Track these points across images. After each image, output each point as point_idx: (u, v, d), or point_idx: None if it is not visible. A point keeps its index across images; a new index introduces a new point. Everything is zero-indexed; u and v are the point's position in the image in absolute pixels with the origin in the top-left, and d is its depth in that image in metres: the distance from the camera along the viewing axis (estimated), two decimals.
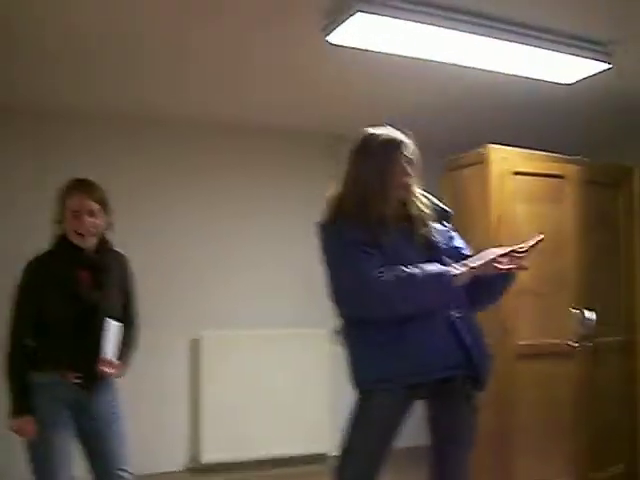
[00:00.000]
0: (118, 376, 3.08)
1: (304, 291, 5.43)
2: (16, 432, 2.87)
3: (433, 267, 2.52)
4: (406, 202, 2.67)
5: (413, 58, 3.74)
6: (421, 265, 2.51)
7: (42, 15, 3.27)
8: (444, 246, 2.71)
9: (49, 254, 3.02)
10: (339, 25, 3.29)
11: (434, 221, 2.73)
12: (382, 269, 2.48)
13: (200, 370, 5.12)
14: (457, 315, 2.61)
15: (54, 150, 4.89)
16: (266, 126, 5.37)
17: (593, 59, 3.75)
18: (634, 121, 5.21)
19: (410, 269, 2.49)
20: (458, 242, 2.83)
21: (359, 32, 3.35)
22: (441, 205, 2.83)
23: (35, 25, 3.40)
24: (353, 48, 3.57)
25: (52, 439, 2.89)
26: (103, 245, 3.10)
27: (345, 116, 5.18)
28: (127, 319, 3.18)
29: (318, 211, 5.61)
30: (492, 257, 2.57)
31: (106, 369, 2.97)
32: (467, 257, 2.68)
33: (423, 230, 2.67)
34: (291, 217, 5.52)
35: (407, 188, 2.63)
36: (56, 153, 4.88)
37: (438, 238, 2.70)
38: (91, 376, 2.95)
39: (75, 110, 4.82)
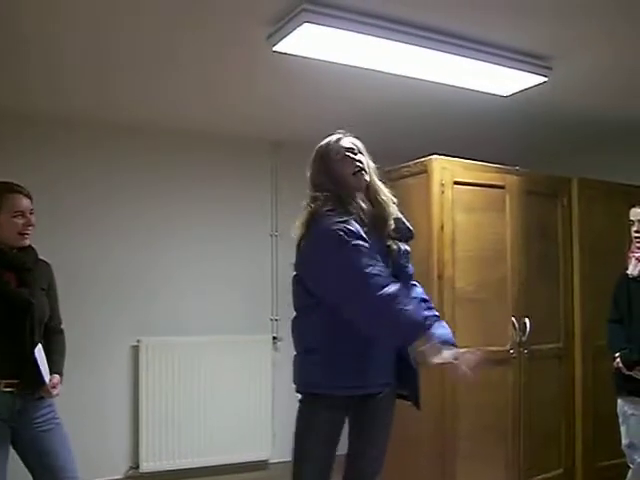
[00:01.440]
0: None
1: (244, 297, 5.42)
2: None
3: (420, 311, 2.59)
4: (374, 203, 2.76)
5: (356, 67, 3.76)
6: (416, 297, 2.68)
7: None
8: (401, 264, 2.79)
9: None
10: (286, 35, 3.29)
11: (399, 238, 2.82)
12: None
13: (139, 377, 5.06)
14: None
15: None
16: (208, 132, 5.33)
17: (531, 72, 3.82)
18: (571, 133, 5.33)
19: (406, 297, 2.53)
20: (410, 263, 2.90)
21: (304, 41, 3.36)
22: (407, 224, 2.90)
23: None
24: (297, 56, 3.57)
25: None
26: (26, 247, 3.03)
27: (287, 124, 5.20)
28: (54, 325, 3.13)
29: (262, 218, 5.64)
30: (462, 365, 2.56)
31: (52, 391, 2.96)
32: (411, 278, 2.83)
33: (392, 244, 2.76)
34: (233, 223, 5.50)
35: (358, 176, 2.73)
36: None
37: (401, 256, 2.79)
38: (29, 380, 2.88)
39: (16, 112, 4.72)
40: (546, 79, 3.91)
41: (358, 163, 2.76)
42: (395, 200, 2.85)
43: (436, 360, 2.48)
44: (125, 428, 5.08)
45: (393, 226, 2.78)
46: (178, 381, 5.14)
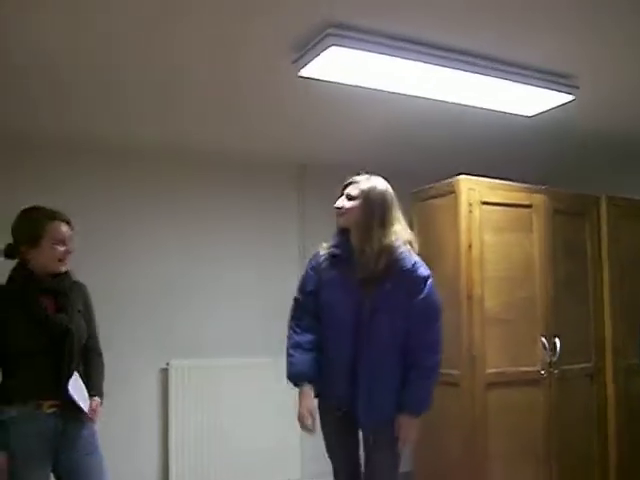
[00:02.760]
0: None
1: (274, 319, 5.40)
2: None
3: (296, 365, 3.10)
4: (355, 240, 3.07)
5: (381, 91, 3.78)
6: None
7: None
8: (378, 304, 2.98)
9: (9, 283, 2.96)
10: (311, 60, 3.31)
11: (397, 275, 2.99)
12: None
13: (169, 400, 5.07)
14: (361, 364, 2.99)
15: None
16: (237, 155, 5.38)
17: (557, 91, 3.80)
18: (598, 151, 5.31)
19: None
20: (417, 298, 3.00)
21: (329, 65, 3.38)
22: (403, 262, 3.01)
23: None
24: (322, 80, 3.60)
25: (26, 477, 2.81)
26: (62, 272, 3.06)
27: (313, 147, 5.23)
28: (93, 347, 3.17)
29: (289, 240, 5.67)
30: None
31: (93, 417, 3.01)
32: (421, 313, 3.01)
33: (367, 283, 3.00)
34: (261, 245, 5.53)
35: (337, 215, 3.11)
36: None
37: (378, 294, 2.98)
38: (68, 404, 2.90)
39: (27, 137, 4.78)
40: (572, 98, 3.90)
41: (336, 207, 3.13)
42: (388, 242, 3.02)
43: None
44: (155, 451, 5.09)
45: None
46: (207, 403, 5.14)
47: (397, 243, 3.00)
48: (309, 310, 3.15)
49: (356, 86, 3.71)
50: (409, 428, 3.00)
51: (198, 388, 5.13)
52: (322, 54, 3.23)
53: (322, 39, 3.14)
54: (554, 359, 4.49)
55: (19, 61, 3.43)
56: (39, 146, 4.81)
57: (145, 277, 5.13)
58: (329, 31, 3.08)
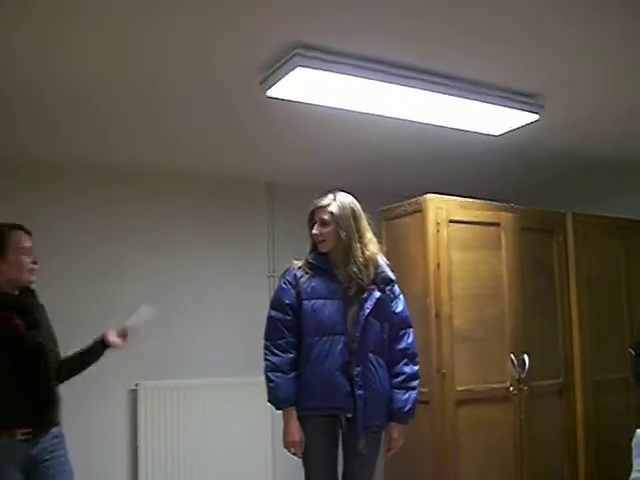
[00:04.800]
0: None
1: (243, 339, 5.39)
2: None
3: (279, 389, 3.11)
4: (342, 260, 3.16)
5: (348, 111, 3.80)
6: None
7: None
8: (365, 312, 3.10)
9: None
10: (279, 80, 3.32)
11: (374, 285, 3.15)
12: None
13: (138, 422, 5.01)
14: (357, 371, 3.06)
15: None
16: (205, 174, 5.36)
17: (522, 110, 3.84)
18: (565, 169, 5.37)
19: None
20: (397, 307, 3.22)
21: (297, 85, 3.38)
22: (387, 271, 3.21)
23: None
24: (290, 100, 3.61)
25: None
26: (26, 288, 2.99)
27: (281, 167, 5.24)
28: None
29: (259, 259, 5.64)
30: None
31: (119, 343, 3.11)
32: (396, 324, 3.19)
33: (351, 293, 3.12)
34: (230, 264, 5.51)
35: (317, 242, 3.20)
36: None
37: (363, 303, 3.11)
38: (43, 425, 2.85)
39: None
40: (537, 117, 3.95)
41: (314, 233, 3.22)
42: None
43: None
44: (123, 474, 5.02)
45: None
46: (177, 426, 5.06)
47: (377, 252, 3.20)
48: (287, 326, 3.13)
49: (323, 106, 3.72)
50: (400, 435, 3.18)
51: (168, 410, 5.06)
52: (289, 75, 3.24)
53: (289, 59, 3.15)
54: (523, 376, 4.51)
55: None
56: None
57: (112, 298, 5.07)
58: (296, 51, 3.09)
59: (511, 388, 4.47)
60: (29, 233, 2.98)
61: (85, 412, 4.75)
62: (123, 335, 3.16)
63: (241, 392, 5.24)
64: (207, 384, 5.23)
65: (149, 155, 4.89)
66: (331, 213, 3.14)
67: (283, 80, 3.31)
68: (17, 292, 2.94)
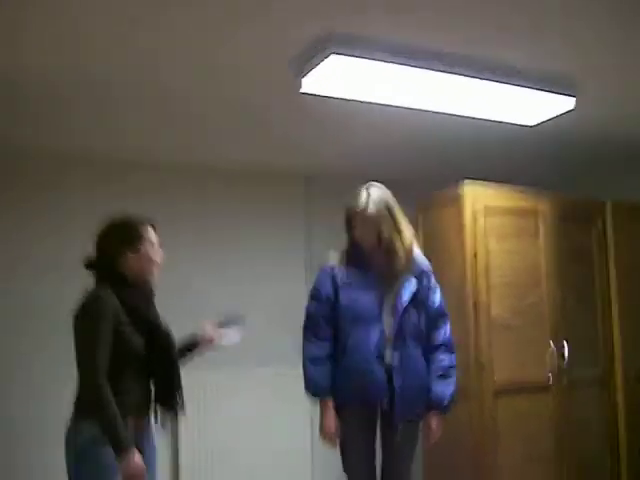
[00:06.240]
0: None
1: (283, 329, 5.37)
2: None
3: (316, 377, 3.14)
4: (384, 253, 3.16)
5: (382, 104, 3.79)
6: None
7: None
8: (403, 301, 3.13)
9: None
10: (312, 69, 3.30)
11: (410, 276, 3.17)
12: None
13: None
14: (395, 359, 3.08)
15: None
16: (241, 167, 5.38)
17: (559, 94, 3.78)
18: (600, 156, 5.27)
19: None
20: (434, 297, 3.24)
21: (331, 76, 3.37)
22: (423, 261, 3.25)
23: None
24: (325, 95, 3.61)
25: None
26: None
27: (317, 158, 5.23)
28: None
29: (295, 251, 5.63)
30: None
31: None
32: (433, 314, 3.20)
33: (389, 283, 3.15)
34: (267, 255, 5.51)
35: (358, 237, 3.19)
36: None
37: (401, 293, 3.13)
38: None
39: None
40: (574, 102, 3.87)
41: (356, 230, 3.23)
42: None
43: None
44: (165, 467, 5.03)
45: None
46: (214, 418, 5.04)
47: (412, 242, 3.22)
48: (324, 316, 3.17)
49: (356, 100, 3.71)
50: (439, 426, 3.18)
51: (205, 402, 5.06)
52: (322, 63, 3.21)
53: (323, 48, 3.13)
54: (563, 365, 4.47)
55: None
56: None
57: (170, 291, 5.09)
58: (330, 39, 3.07)
59: (550, 378, 4.43)
60: (155, 228, 3.06)
61: None
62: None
63: (279, 383, 5.23)
64: (243, 376, 5.24)
65: (181, 150, 4.92)
66: (371, 216, 3.13)
67: (317, 71, 3.29)
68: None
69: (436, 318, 3.20)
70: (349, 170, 4.78)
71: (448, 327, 3.22)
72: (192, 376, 4.93)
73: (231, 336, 3.26)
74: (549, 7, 2.89)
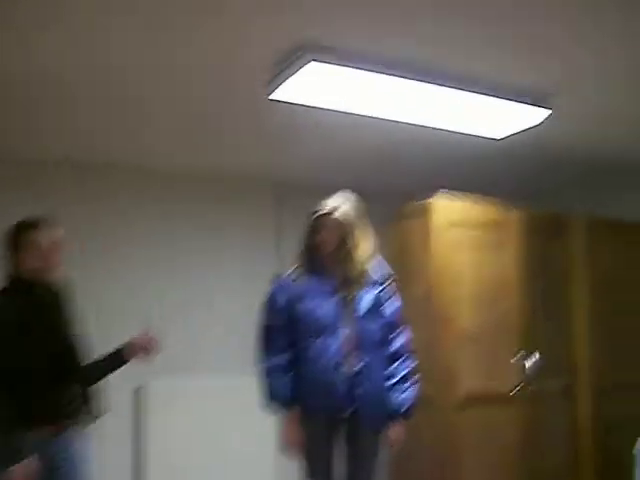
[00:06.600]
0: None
1: (252, 339, 5.34)
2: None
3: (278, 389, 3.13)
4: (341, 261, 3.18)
5: (354, 114, 3.80)
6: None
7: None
8: (362, 311, 3.15)
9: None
10: (287, 79, 3.30)
11: (369, 284, 3.21)
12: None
13: (143, 423, 4.97)
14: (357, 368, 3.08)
15: None
16: (209, 174, 5.35)
17: (531, 109, 3.81)
18: (570, 170, 5.33)
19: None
20: (393, 306, 3.27)
21: (305, 85, 3.37)
22: (384, 269, 3.28)
23: None
24: (297, 103, 3.61)
25: None
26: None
27: (289, 167, 5.23)
28: None
29: (265, 258, 5.60)
30: None
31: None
32: (391, 323, 3.22)
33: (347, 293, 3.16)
34: (236, 263, 5.49)
35: (321, 245, 3.21)
36: None
37: (359, 302, 3.15)
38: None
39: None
40: (548, 114, 3.90)
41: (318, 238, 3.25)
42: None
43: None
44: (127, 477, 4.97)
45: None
46: (183, 427, 4.95)
47: (373, 252, 3.24)
48: (281, 329, 3.16)
49: (329, 109, 3.72)
50: (401, 434, 3.19)
51: (174, 410, 4.97)
52: (298, 72, 3.21)
53: (299, 57, 3.13)
54: (529, 377, 4.49)
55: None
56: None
57: (116, 295, 5.04)
58: (306, 48, 3.07)
59: (516, 390, 4.45)
60: (53, 228, 3.02)
61: None
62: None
63: (248, 392, 5.18)
64: (212, 385, 5.20)
65: (152, 156, 4.89)
66: (337, 220, 3.17)
67: (290, 80, 3.30)
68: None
69: (395, 326, 3.23)
70: (319, 180, 4.77)
71: (407, 335, 3.25)
72: (160, 384, 5.00)
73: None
74: (518, 20, 2.91)
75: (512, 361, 4.45)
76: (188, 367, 5.19)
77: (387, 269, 3.28)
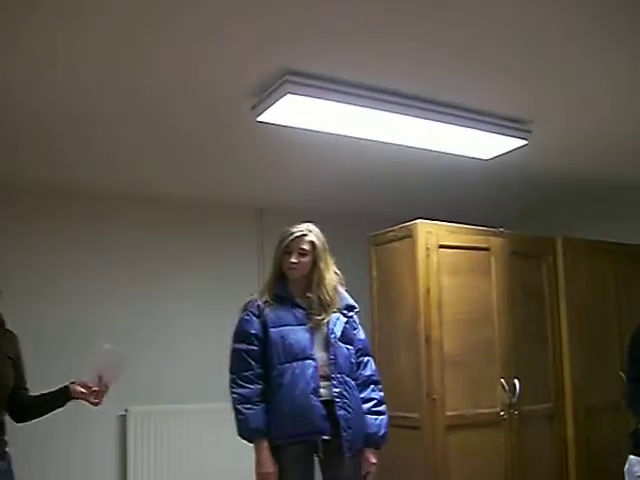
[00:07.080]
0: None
1: None
2: None
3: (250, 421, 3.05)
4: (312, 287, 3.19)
5: (338, 136, 3.83)
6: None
7: None
8: (335, 335, 3.15)
9: None
10: (270, 106, 3.34)
11: (338, 311, 3.22)
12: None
13: (127, 448, 4.96)
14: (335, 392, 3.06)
15: None
16: (192, 200, 5.37)
17: (511, 136, 3.89)
18: (552, 193, 5.39)
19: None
20: (359, 334, 3.30)
21: (287, 111, 3.41)
22: (349, 300, 3.31)
23: None
24: (280, 125, 3.64)
25: None
26: None
27: (271, 191, 5.25)
28: (23, 388, 3.06)
29: (248, 284, 5.60)
30: None
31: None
32: (363, 349, 3.26)
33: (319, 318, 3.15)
34: (219, 289, 5.48)
35: (291, 270, 3.19)
36: None
37: (332, 327, 3.15)
38: None
39: None
40: (525, 142, 3.98)
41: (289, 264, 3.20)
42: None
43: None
44: None
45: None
46: (167, 452, 5.01)
47: (339, 280, 3.27)
48: (253, 357, 3.13)
49: (312, 132, 3.75)
50: (376, 459, 3.17)
51: (157, 435, 5.01)
52: (279, 101, 3.26)
53: (279, 86, 3.19)
54: (514, 400, 4.50)
55: None
56: None
57: (101, 322, 5.04)
58: (286, 78, 3.13)
59: (502, 413, 4.46)
60: None
61: (71, 439, 4.71)
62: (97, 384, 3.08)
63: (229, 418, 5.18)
64: (195, 410, 5.19)
65: (134, 182, 4.90)
66: (311, 243, 3.19)
67: (273, 106, 3.35)
68: None
69: (362, 355, 3.26)
70: (303, 204, 4.80)
71: (374, 365, 3.29)
72: (144, 409, 4.98)
73: (108, 376, 3.05)
74: (501, 50, 2.97)
75: (497, 385, 4.47)
76: (170, 395, 5.18)
77: (351, 301, 3.32)
